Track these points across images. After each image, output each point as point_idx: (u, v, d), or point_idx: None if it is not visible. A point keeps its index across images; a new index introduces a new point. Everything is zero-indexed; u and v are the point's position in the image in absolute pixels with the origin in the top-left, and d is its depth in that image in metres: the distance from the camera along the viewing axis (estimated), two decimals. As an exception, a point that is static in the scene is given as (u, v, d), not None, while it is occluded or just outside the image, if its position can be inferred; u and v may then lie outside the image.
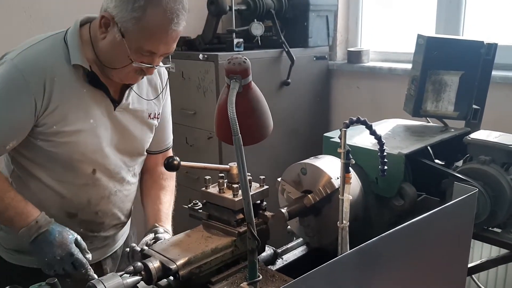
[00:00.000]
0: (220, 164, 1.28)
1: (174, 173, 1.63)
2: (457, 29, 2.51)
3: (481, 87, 1.64)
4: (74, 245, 1.29)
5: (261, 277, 1.03)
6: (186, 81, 2.71)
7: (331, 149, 1.36)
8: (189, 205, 1.26)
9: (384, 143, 1.19)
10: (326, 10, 2.83)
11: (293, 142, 2.83)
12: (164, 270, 1.07)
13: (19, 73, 1.26)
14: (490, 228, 1.42)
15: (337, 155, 1.13)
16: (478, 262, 1.63)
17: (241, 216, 1.16)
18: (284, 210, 1.26)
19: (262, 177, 1.22)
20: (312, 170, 1.32)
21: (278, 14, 2.70)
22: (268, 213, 1.21)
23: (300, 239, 1.46)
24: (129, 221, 1.64)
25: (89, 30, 1.35)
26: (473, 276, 1.76)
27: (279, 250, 1.38)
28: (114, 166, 1.44)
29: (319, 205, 1.29)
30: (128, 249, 1.18)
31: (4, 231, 1.47)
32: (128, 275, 1.04)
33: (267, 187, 1.23)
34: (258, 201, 1.22)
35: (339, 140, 1.10)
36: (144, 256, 1.12)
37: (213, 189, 1.21)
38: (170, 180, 1.63)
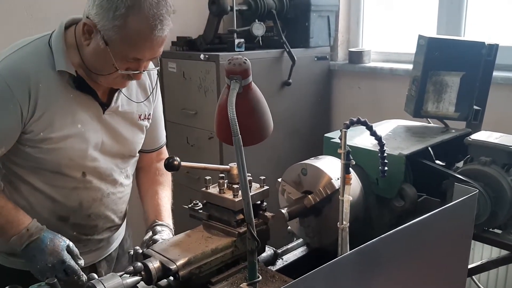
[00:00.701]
0: (221, 164, 1.28)
1: None
2: (458, 29, 2.51)
3: (482, 88, 1.63)
4: (66, 252, 1.28)
5: (260, 277, 1.03)
6: (187, 81, 2.71)
7: (332, 149, 1.35)
8: (189, 206, 1.26)
9: (384, 144, 1.19)
10: (327, 11, 2.83)
11: (294, 143, 2.83)
12: (164, 271, 1.07)
13: (2, 80, 1.24)
14: (491, 229, 1.41)
15: (338, 155, 1.12)
16: (479, 263, 1.62)
17: (241, 216, 1.16)
18: (284, 211, 1.26)
19: (262, 177, 1.22)
20: (312, 170, 1.32)
21: (279, 14, 2.70)
22: (268, 214, 1.21)
23: (301, 240, 1.45)
24: (124, 223, 1.63)
25: (75, 33, 1.32)
26: (473, 277, 1.76)
27: (279, 251, 1.37)
28: (105, 168, 1.43)
29: (319, 205, 1.29)
30: (131, 252, 1.18)
31: None
32: (128, 275, 1.04)
33: (268, 187, 1.22)
34: (259, 202, 1.22)
35: (339, 141, 1.10)
36: (144, 256, 1.12)
37: (213, 190, 1.21)
38: (166, 175, 1.62)
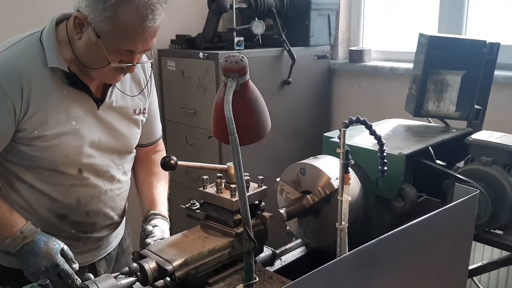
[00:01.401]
0: (220, 163, 1.27)
1: None
2: (459, 28, 2.50)
3: (484, 87, 1.62)
4: (60, 255, 1.27)
5: (257, 279, 1.01)
6: (186, 80, 2.70)
7: (331, 149, 1.34)
8: (187, 205, 1.25)
9: (384, 143, 1.18)
10: (327, 9, 2.82)
11: (293, 142, 2.82)
12: (160, 271, 1.06)
13: None
14: (492, 230, 1.40)
15: (337, 155, 1.11)
16: (479, 264, 1.62)
17: (238, 216, 1.15)
18: (282, 211, 1.24)
19: (260, 177, 1.21)
20: (311, 170, 1.30)
21: (279, 13, 2.69)
22: (266, 214, 1.20)
23: (299, 240, 1.44)
24: (123, 222, 1.62)
25: (66, 29, 1.31)
26: (474, 278, 1.75)
27: (277, 251, 1.36)
28: (102, 165, 1.42)
29: (318, 206, 1.28)
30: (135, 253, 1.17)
31: None
32: (123, 276, 1.03)
33: (266, 187, 1.21)
34: (256, 202, 1.21)
35: (338, 140, 1.09)
36: (140, 256, 1.11)
37: (210, 189, 1.20)
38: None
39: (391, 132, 1.60)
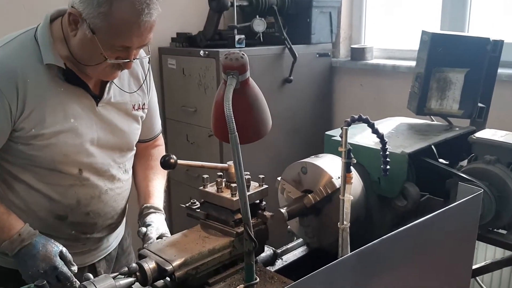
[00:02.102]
0: (221, 162, 1.26)
1: (163, 153, 1.62)
2: (462, 25, 2.48)
3: (487, 85, 1.61)
4: (58, 258, 1.26)
5: (258, 279, 1.00)
6: (186, 78, 2.69)
7: (333, 147, 1.33)
8: (187, 205, 1.24)
9: (386, 142, 1.17)
10: (329, 7, 2.81)
11: (295, 141, 2.81)
12: (160, 271, 1.05)
13: None
14: (495, 230, 1.39)
15: (338, 154, 1.10)
16: (483, 264, 1.61)
17: (239, 216, 1.14)
18: (283, 210, 1.23)
19: (261, 176, 1.20)
20: (312, 169, 1.29)
21: (280, 10, 2.68)
22: (267, 213, 1.19)
23: (301, 240, 1.43)
24: (123, 221, 1.61)
25: (61, 26, 1.29)
26: (477, 278, 1.74)
27: (278, 251, 1.35)
28: (102, 164, 1.40)
29: (319, 205, 1.27)
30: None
31: None
32: (122, 276, 1.02)
33: (266, 186, 1.20)
34: (257, 201, 1.20)
35: (340, 139, 1.08)
36: (139, 256, 1.10)
37: (211, 188, 1.19)
38: (159, 160, 1.60)
39: (394, 130, 1.59)
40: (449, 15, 2.51)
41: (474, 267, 1.55)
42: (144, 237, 1.32)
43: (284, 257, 1.36)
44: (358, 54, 2.83)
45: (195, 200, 1.24)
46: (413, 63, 1.72)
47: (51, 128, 1.29)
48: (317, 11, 2.74)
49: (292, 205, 1.27)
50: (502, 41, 1.57)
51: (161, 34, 2.76)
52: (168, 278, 1.08)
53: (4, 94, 1.23)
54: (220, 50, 2.48)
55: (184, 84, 2.71)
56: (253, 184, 1.20)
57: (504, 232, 1.38)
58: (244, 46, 2.57)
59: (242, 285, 0.99)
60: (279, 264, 1.33)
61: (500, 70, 1.62)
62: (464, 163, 1.49)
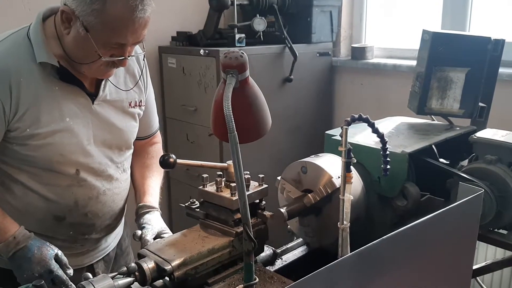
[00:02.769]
0: (221, 161, 1.25)
1: (160, 151, 1.62)
2: (463, 24, 2.48)
3: (488, 85, 1.60)
4: (54, 261, 1.25)
5: (257, 279, 1.00)
6: (187, 77, 2.68)
7: (333, 147, 1.33)
8: (186, 204, 1.23)
9: (386, 141, 1.16)
10: (329, 6, 2.81)
11: (295, 140, 2.80)
12: (159, 271, 1.04)
13: None
14: (496, 230, 1.39)
15: (339, 153, 1.10)
16: (483, 264, 1.60)
17: (239, 215, 1.13)
18: (283, 210, 1.23)
19: (261, 175, 1.19)
20: (312, 168, 1.29)
21: (281, 9, 2.67)
22: (267, 213, 1.19)
23: (300, 239, 1.43)
24: (122, 221, 1.61)
25: (54, 24, 1.28)
26: (477, 278, 1.74)
27: (278, 250, 1.35)
28: (99, 164, 1.39)
29: (319, 204, 1.26)
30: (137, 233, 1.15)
31: None
32: (121, 276, 1.01)
33: (266, 186, 1.19)
34: (257, 201, 1.19)
35: (340, 138, 1.08)
36: (138, 256, 1.09)
37: (210, 188, 1.18)
38: (156, 158, 1.59)
39: (394, 130, 1.58)
40: (450, 14, 2.51)
41: (474, 267, 1.54)
42: (141, 240, 1.31)
43: (284, 257, 1.36)
44: (358, 53, 2.83)
45: (195, 200, 1.23)
46: (413, 63, 1.71)
47: (47, 128, 1.27)
48: (318, 10, 2.74)
49: (292, 204, 1.27)
50: (503, 40, 1.56)
51: (161, 33, 2.75)
52: (167, 278, 1.07)
53: None
54: (220, 49, 2.48)
55: (184, 83, 2.71)
56: (253, 183, 1.19)
57: (505, 232, 1.38)
58: (244, 45, 2.57)
59: (241, 285, 0.99)
60: (278, 264, 1.33)
61: (501, 70, 1.62)
62: (465, 163, 1.49)
